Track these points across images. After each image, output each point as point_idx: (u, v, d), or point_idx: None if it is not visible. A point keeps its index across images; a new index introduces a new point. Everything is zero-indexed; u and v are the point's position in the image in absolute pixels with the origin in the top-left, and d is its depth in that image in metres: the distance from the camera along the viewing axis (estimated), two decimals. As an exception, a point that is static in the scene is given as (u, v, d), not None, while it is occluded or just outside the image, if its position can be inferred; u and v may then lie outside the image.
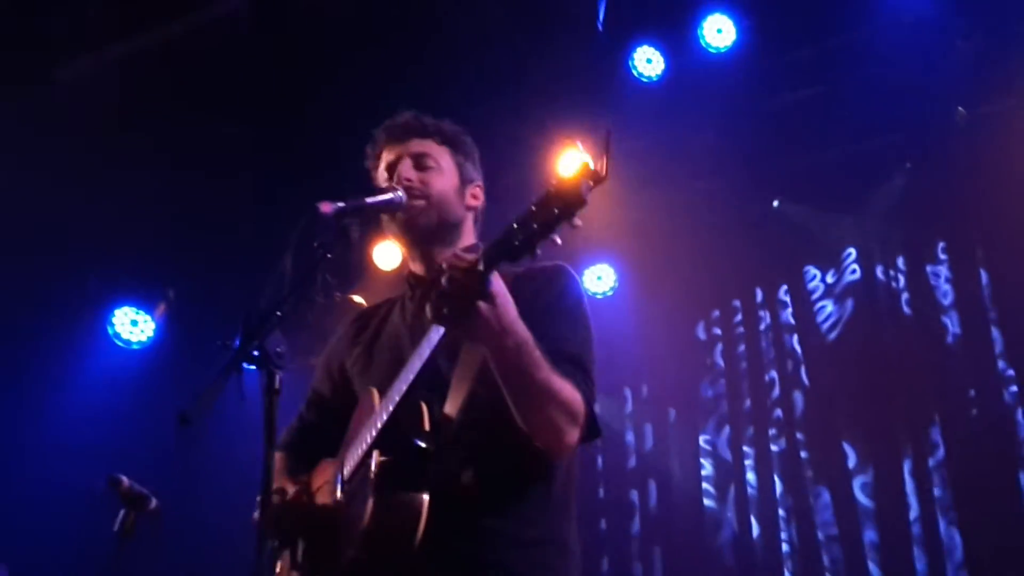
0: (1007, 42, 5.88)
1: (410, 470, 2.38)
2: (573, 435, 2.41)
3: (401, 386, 2.45)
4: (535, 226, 2.03)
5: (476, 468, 2.47)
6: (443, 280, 2.13)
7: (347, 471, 2.53)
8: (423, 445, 2.38)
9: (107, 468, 3.33)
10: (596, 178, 2.03)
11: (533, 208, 2.04)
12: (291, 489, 2.66)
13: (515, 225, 2.06)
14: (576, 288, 2.69)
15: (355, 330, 2.97)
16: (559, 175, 2.04)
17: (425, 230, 2.74)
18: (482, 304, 2.13)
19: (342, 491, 2.51)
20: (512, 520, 2.48)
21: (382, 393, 2.57)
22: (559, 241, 2.05)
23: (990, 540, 5.92)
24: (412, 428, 2.40)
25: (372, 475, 2.39)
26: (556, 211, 2.01)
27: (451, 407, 2.44)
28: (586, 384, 2.47)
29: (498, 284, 2.16)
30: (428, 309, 2.16)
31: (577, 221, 2.03)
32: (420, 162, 2.79)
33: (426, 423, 2.41)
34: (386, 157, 2.85)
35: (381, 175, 2.85)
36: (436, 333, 2.39)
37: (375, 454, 2.42)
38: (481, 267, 2.11)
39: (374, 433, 2.47)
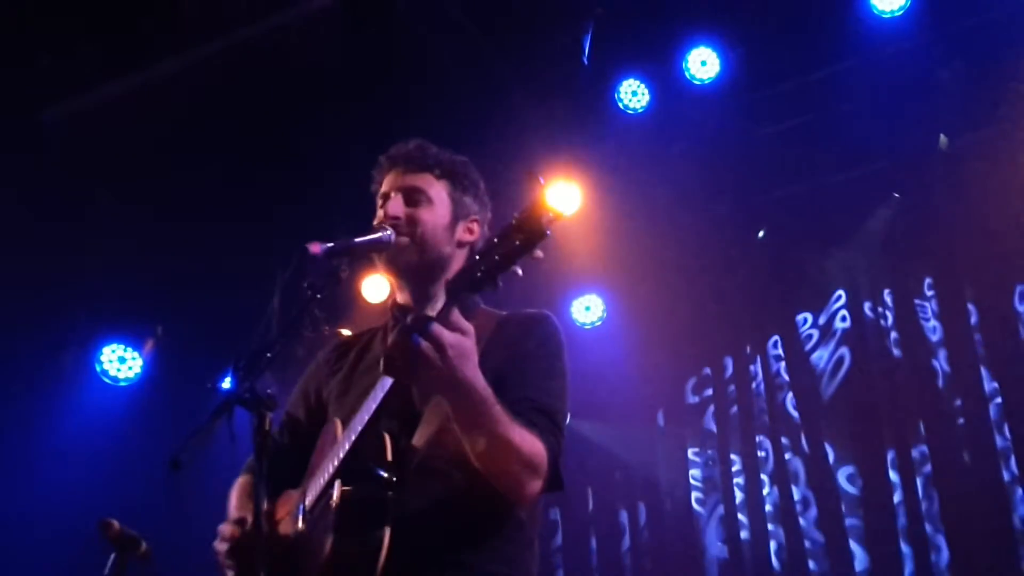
0: (987, 71, 5.95)
1: (372, 500, 2.38)
2: (534, 486, 2.42)
3: (363, 416, 2.44)
4: (496, 257, 2.08)
5: (441, 501, 2.46)
6: (395, 333, 2.18)
7: (309, 501, 2.53)
8: (384, 475, 2.39)
9: (95, 508, 3.29)
10: (557, 211, 2.06)
11: (495, 240, 2.09)
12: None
13: (477, 257, 2.11)
14: (556, 338, 2.68)
15: (335, 357, 2.97)
16: (522, 208, 2.08)
17: (407, 267, 2.74)
18: (433, 355, 2.14)
19: (303, 521, 2.50)
20: (475, 552, 2.48)
21: (345, 423, 2.57)
22: (520, 272, 2.10)
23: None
24: (374, 458, 2.41)
25: (334, 505, 2.39)
26: (517, 243, 2.06)
27: (419, 439, 2.44)
28: (553, 436, 2.47)
29: (452, 337, 2.16)
30: (381, 362, 2.20)
31: (538, 253, 2.08)
32: (411, 197, 2.76)
33: (388, 453, 2.41)
34: (384, 186, 2.84)
35: (377, 204, 2.85)
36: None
37: (337, 484, 2.42)
38: (439, 305, 2.15)
39: (336, 463, 2.47)
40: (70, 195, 5.98)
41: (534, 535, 2.65)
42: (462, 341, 2.18)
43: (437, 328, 2.14)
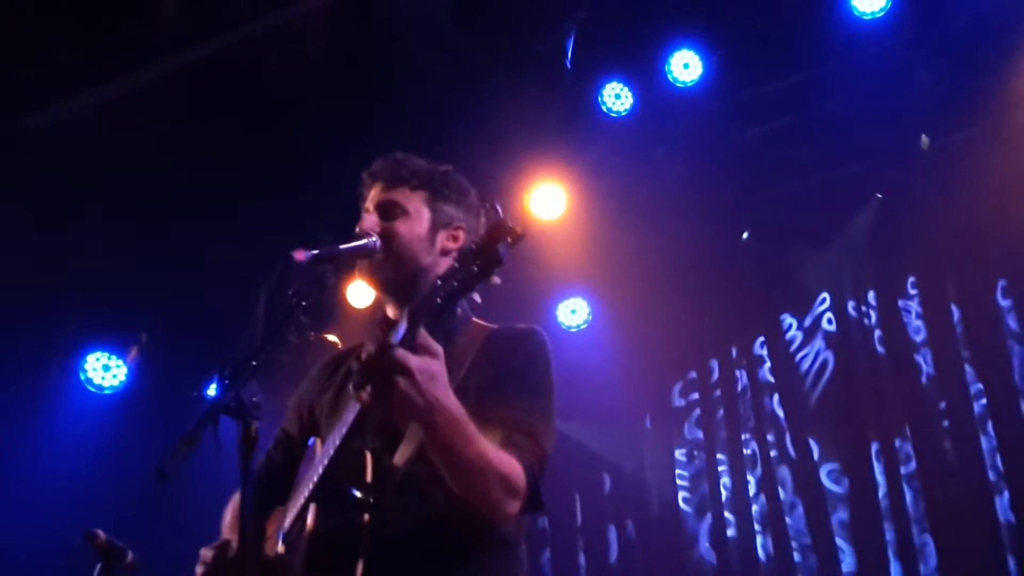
0: (968, 71, 5.98)
1: (346, 527, 2.36)
2: (511, 507, 2.38)
3: (335, 439, 2.42)
4: (455, 283, 2.11)
5: (421, 521, 2.44)
6: (360, 359, 2.17)
7: (287, 523, 2.52)
8: (359, 495, 2.36)
9: (79, 518, 3.26)
10: (514, 237, 2.09)
11: (455, 265, 2.13)
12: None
13: (438, 282, 2.14)
14: (544, 355, 2.66)
15: (327, 373, 2.96)
16: (479, 235, 2.14)
17: (385, 281, 2.73)
18: (400, 380, 2.12)
19: (283, 544, 2.49)
20: (456, 570, 2.46)
21: (325, 442, 2.55)
22: (478, 299, 2.20)
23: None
24: (351, 478, 2.39)
25: (306, 533, 2.39)
26: (475, 269, 2.09)
27: (400, 457, 2.42)
28: (534, 456, 2.44)
29: (418, 361, 2.14)
30: (350, 388, 2.21)
31: (496, 279, 2.13)
32: (387, 211, 2.76)
33: (368, 473, 2.39)
34: (367, 203, 2.85)
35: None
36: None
37: (312, 508, 2.42)
38: (403, 330, 2.14)
39: (311, 486, 2.45)
40: (54, 203, 5.94)
41: (520, 547, 2.62)
42: (430, 364, 2.15)
43: (401, 354, 2.12)
